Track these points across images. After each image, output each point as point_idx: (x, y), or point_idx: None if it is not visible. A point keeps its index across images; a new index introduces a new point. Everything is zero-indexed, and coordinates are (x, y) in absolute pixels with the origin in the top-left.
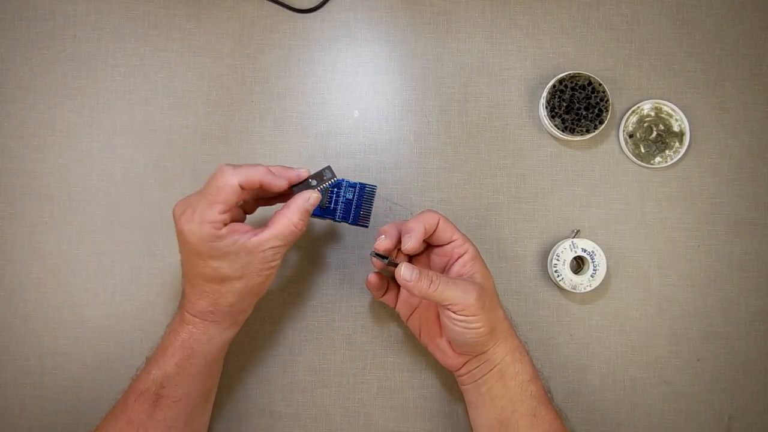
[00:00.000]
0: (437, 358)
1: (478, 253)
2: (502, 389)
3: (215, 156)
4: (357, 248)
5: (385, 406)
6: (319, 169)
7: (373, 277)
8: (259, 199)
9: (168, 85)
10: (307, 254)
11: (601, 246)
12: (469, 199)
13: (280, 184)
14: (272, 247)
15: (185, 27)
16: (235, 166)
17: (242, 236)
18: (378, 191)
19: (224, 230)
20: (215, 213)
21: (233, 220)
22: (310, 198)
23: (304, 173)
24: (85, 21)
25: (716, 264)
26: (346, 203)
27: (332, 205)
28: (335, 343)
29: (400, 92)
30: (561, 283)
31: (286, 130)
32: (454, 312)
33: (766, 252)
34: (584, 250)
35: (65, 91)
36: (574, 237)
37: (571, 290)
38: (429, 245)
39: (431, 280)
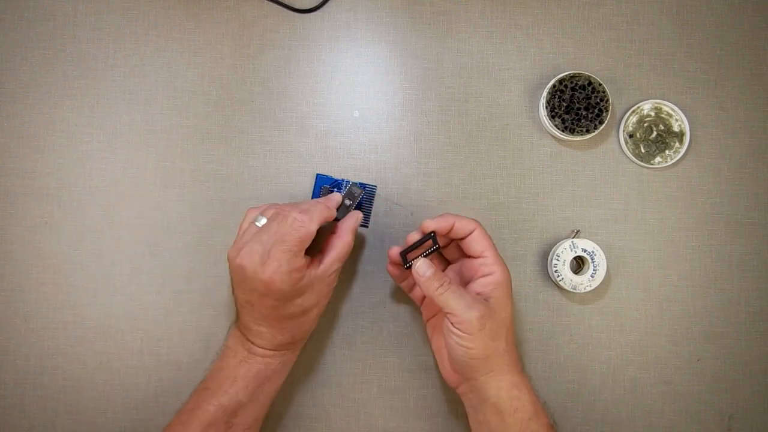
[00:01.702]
0: (439, 368)
1: (509, 281)
2: (501, 425)
3: (215, 156)
4: (357, 248)
5: (385, 406)
6: (346, 187)
7: (390, 268)
8: None
9: (168, 85)
10: None
11: (601, 246)
12: (469, 199)
13: (333, 215)
14: (335, 270)
15: (185, 27)
16: (304, 212)
17: (312, 269)
18: (378, 191)
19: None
20: (301, 260)
21: None
22: (359, 218)
23: (338, 197)
24: (85, 21)
25: (716, 264)
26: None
27: None
28: (335, 343)
29: (400, 92)
30: (561, 283)
31: (286, 130)
32: (452, 323)
33: (766, 252)
34: (584, 250)
35: (65, 91)
36: (574, 237)
37: (571, 290)
38: (463, 255)
39: (441, 284)
